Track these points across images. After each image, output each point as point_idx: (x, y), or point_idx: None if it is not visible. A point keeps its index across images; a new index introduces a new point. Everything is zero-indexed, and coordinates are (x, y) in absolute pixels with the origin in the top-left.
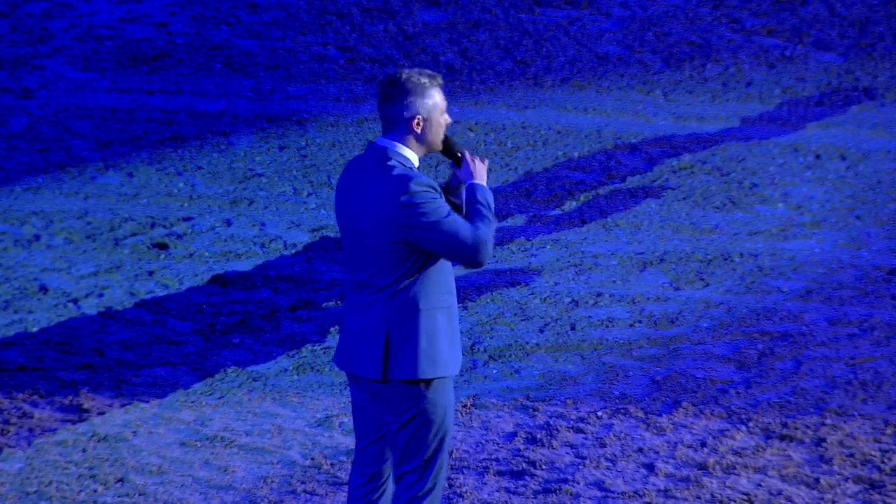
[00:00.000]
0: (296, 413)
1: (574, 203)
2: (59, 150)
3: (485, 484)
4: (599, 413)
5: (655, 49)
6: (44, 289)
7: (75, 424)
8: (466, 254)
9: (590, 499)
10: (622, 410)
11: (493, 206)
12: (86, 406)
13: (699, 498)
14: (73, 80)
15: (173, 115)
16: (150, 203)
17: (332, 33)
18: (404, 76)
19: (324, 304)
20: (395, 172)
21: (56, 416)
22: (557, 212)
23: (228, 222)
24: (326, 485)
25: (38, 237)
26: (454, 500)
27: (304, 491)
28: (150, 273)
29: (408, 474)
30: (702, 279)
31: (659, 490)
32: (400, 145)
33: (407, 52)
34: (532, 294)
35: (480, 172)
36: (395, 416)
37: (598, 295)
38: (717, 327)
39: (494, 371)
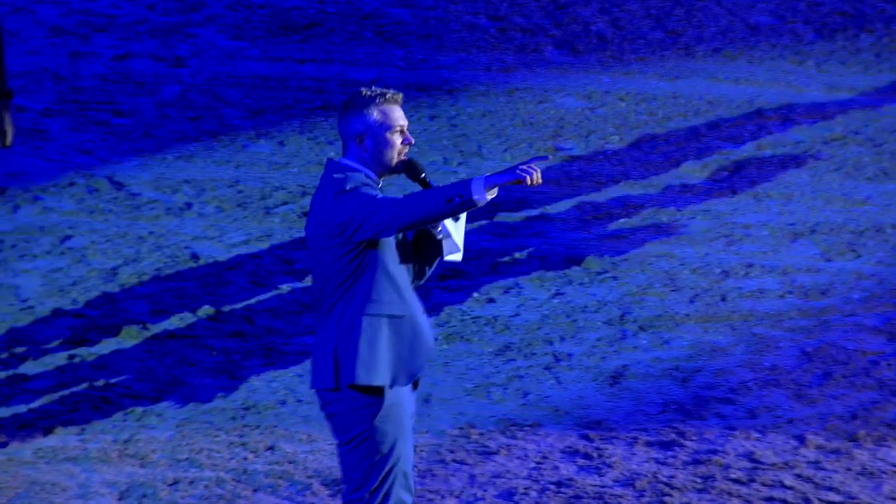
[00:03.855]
0: (444, 382)
1: (725, 173)
2: (211, 118)
3: (634, 454)
4: (749, 384)
5: (808, 19)
6: (195, 257)
7: (225, 392)
8: (378, 213)
9: (739, 470)
10: (772, 381)
11: (454, 200)
12: (236, 374)
13: (850, 470)
14: (224, 48)
15: (324, 83)
16: (300, 172)
17: (483, 2)
18: (354, 93)
19: (473, 274)
20: (335, 176)
21: (206, 384)
22: (708, 182)
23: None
24: (475, 454)
25: (189, 205)
26: (603, 470)
27: (454, 460)
28: (301, 241)
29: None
30: (853, 250)
31: (809, 461)
32: (353, 163)
33: (558, 21)
34: (682, 264)
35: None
36: (341, 436)
37: (749, 266)
38: (868, 299)
39: (644, 342)
